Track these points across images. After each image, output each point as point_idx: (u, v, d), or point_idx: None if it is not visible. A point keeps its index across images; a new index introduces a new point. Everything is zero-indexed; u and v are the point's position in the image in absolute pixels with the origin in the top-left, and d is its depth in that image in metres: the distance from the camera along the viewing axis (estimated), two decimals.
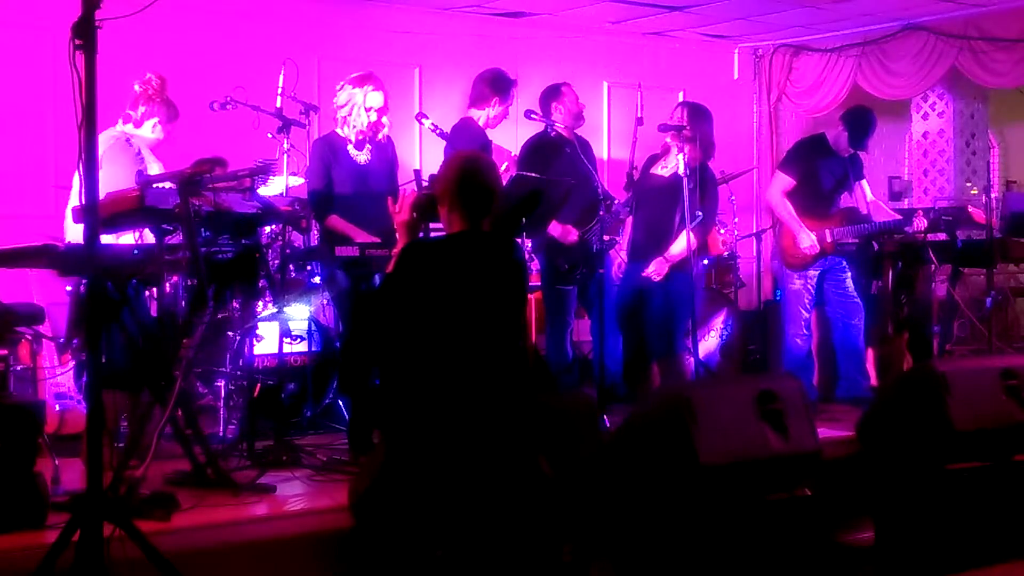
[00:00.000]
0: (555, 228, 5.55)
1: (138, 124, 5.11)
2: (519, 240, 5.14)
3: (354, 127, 5.14)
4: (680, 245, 5.51)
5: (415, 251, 3.55)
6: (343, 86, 5.20)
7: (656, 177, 5.73)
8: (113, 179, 4.74)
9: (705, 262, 6.03)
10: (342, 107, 5.16)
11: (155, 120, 5.10)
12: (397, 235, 3.76)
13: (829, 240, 6.04)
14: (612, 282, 5.76)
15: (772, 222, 7.29)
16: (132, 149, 5.04)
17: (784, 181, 6.14)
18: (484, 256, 3.55)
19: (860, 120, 6.17)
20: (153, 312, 4.61)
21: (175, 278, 4.52)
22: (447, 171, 3.61)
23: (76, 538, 3.04)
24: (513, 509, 3.42)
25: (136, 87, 5.11)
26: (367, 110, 5.12)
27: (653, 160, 5.79)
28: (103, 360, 3.13)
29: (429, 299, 3.44)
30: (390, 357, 3.52)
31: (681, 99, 8.32)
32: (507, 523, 3.41)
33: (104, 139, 5.03)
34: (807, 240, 6.01)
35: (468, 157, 3.75)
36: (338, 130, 5.28)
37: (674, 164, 5.61)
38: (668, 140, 5.68)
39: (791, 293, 6.17)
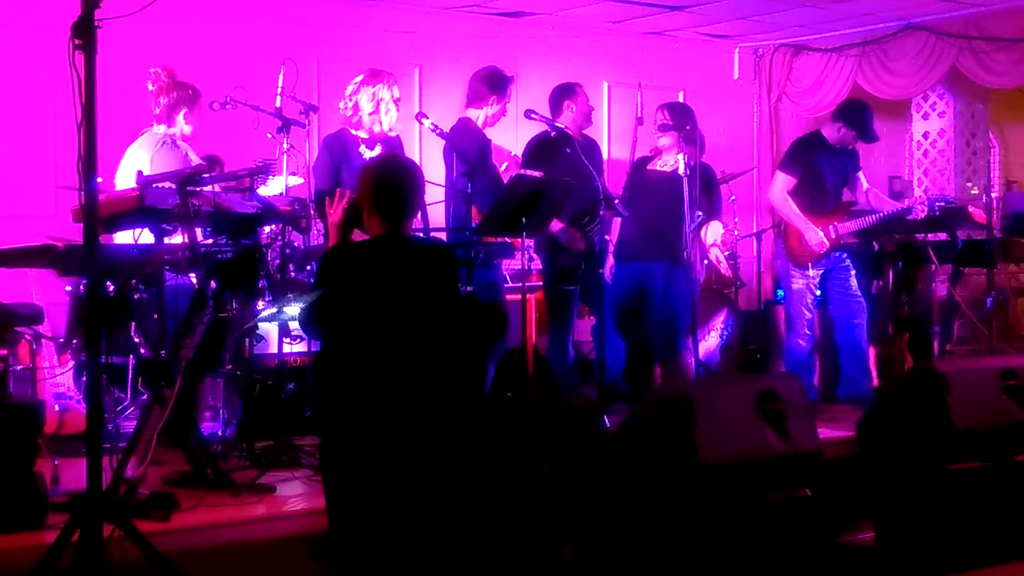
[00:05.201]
0: (555, 227, 5.54)
1: (171, 122, 5.13)
2: (521, 241, 5.17)
3: (385, 123, 5.17)
4: (716, 230, 5.62)
5: (333, 256, 3.56)
6: (363, 87, 5.19)
7: (653, 173, 5.74)
8: None
9: (705, 262, 6.06)
10: (364, 107, 5.15)
11: (183, 111, 5.12)
12: (330, 236, 3.76)
13: (834, 236, 6.03)
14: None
15: (774, 222, 7.29)
16: (179, 151, 5.05)
17: (786, 180, 6.13)
18: (400, 259, 3.53)
19: (858, 113, 6.17)
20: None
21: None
22: (364, 176, 3.60)
23: (76, 538, 3.04)
24: (450, 508, 3.41)
25: (149, 85, 5.13)
26: (396, 101, 5.18)
27: (646, 161, 5.82)
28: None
29: (348, 303, 3.44)
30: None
31: (681, 99, 8.35)
32: (443, 526, 3.40)
33: (148, 142, 5.04)
34: (816, 237, 6.00)
35: (384, 162, 3.77)
36: (351, 129, 5.27)
37: (673, 163, 5.62)
38: (661, 143, 5.71)
39: (794, 293, 6.16)
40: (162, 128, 5.12)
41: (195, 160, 5.08)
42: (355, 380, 3.40)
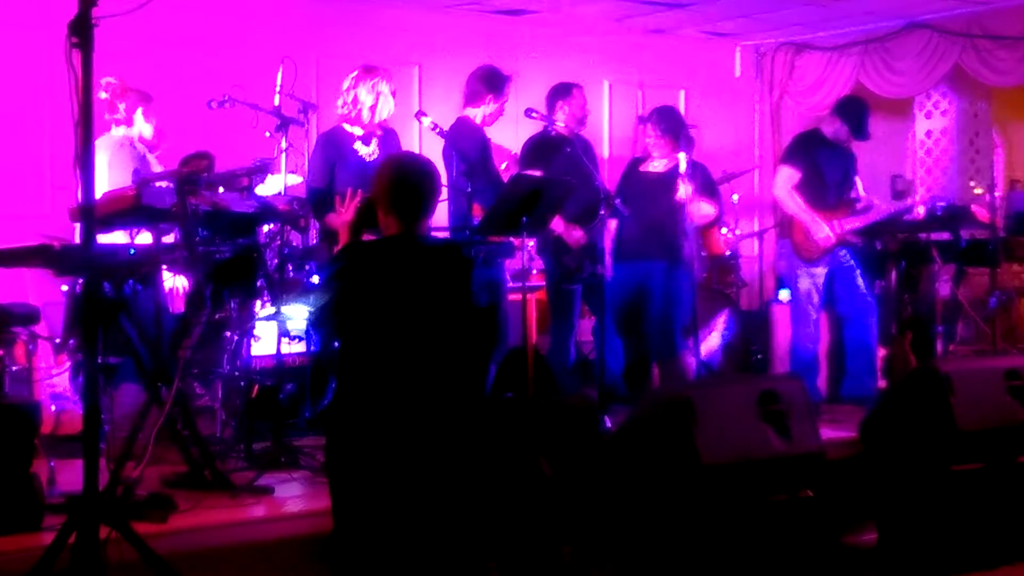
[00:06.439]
0: (558, 226, 5.52)
1: (129, 123, 5.10)
2: (521, 241, 5.14)
3: (383, 114, 5.17)
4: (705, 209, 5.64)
5: (348, 255, 3.54)
6: (360, 81, 5.18)
7: (647, 174, 5.73)
8: (121, 183, 4.73)
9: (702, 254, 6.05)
10: (364, 100, 5.14)
11: (140, 108, 5.09)
12: (340, 235, 3.75)
13: (838, 232, 6.01)
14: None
15: (776, 221, 7.26)
16: (137, 152, 5.02)
17: (790, 174, 6.09)
18: (415, 259, 3.52)
19: (855, 109, 6.16)
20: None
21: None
22: (380, 175, 3.58)
23: (72, 540, 3.03)
24: (456, 508, 3.39)
25: (102, 94, 5.08)
26: (392, 94, 5.19)
27: (638, 162, 5.82)
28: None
29: (361, 302, 3.43)
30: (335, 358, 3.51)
31: (682, 98, 8.34)
32: (452, 523, 3.39)
33: (106, 143, 5.02)
34: (822, 231, 5.97)
35: (400, 160, 3.74)
36: (346, 126, 5.24)
37: (665, 162, 5.62)
38: (647, 140, 5.71)
39: (801, 294, 6.12)
40: (121, 130, 5.08)
41: (153, 161, 5.05)
42: (371, 380, 3.38)
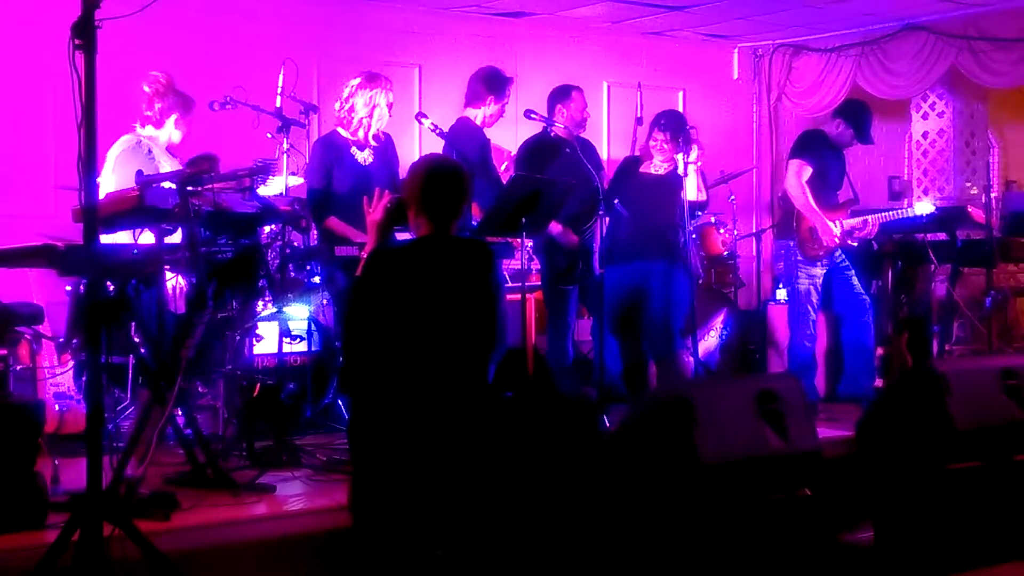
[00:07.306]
0: (555, 227, 5.54)
1: (158, 124, 5.09)
2: (520, 241, 5.17)
3: (375, 127, 5.19)
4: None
5: (380, 257, 3.56)
6: (360, 90, 5.19)
7: (647, 175, 5.74)
8: (127, 182, 4.74)
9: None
10: (359, 111, 5.16)
11: (174, 116, 5.08)
12: (367, 235, 3.78)
13: (841, 231, 6.04)
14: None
15: (775, 221, 7.28)
16: (142, 150, 5.02)
17: (802, 168, 6.07)
18: (448, 260, 3.56)
19: (859, 113, 6.20)
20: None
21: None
22: (413, 175, 3.62)
23: (76, 538, 3.04)
24: (482, 510, 3.42)
25: (145, 87, 5.09)
26: (389, 106, 5.20)
27: (637, 163, 5.82)
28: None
29: (394, 304, 3.46)
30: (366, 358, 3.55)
31: (680, 99, 8.37)
32: (475, 524, 3.42)
33: (118, 145, 5.03)
34: (831, 229, 5.99)
35: (434, 161, 3.78)
36: (341, 130, 5.27)
37: (669, 165, 5.64)
38: (652, 144, 5.72)
39: (800, 293, 6.14)
40: (147, 130, 5.08)
41: (163, 163, 5.04)
42: (412, 379, 3.42)
